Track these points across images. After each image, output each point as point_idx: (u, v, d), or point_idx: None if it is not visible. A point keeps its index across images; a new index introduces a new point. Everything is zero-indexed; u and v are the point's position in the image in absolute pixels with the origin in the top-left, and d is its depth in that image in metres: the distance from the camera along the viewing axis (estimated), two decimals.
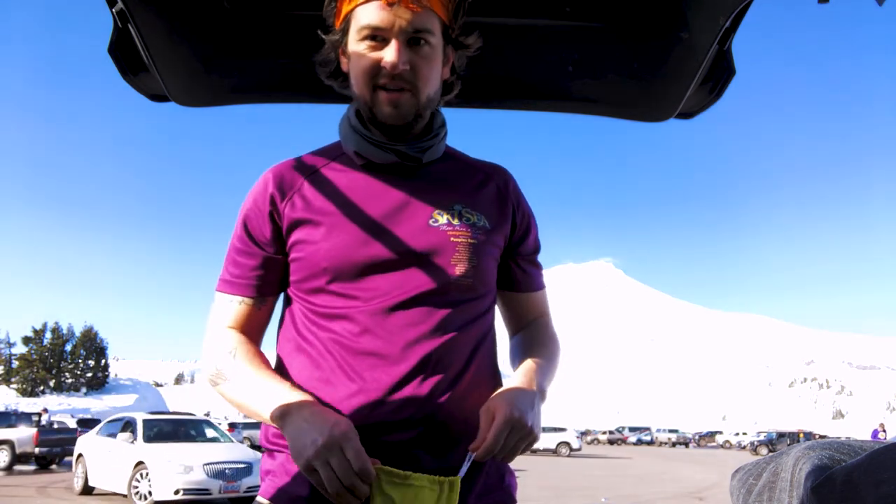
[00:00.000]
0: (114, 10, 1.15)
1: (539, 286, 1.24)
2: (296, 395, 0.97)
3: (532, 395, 1.01)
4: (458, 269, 1.05)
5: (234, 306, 1.11)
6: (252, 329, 1.12)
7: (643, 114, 1.50)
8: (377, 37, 1.01)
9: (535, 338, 1.19)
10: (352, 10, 1.03)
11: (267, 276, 1.10)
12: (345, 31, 1.06)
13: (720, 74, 1.33)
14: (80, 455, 12.13)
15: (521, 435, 0.95)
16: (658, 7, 1.24)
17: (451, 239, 1.06)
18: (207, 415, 40.47)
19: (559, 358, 1.20)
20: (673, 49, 1.29)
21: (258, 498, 1.05)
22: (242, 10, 1.27)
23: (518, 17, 1.28)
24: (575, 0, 1.24)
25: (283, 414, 0.96)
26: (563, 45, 1.34)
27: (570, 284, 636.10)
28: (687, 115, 1.48)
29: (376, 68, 1.02)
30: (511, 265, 1.19)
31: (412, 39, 1.01)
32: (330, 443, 0.87)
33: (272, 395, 0.99)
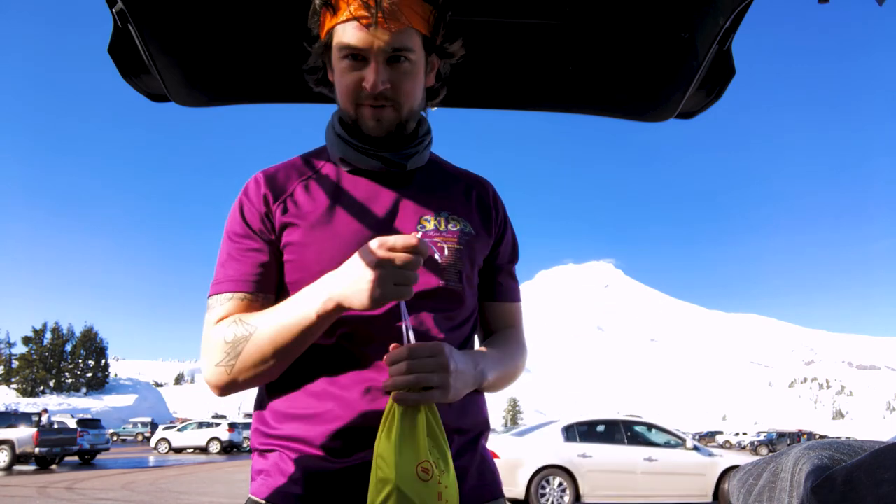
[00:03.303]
0: (114, 10, 1.16)
1: (514, 298, 1.24)
2: (319, 280, 0.97)
3: (466, 355, 1.03)
4: (446, 275, 1.07)
5: (233, 303, 1.05)
6: None
7: (643, 114, 1.50)
8: (357, 56, 1.02)
9: (498, 338, 1.20)
10: (333, 26, 1.03)
11: (268, 272, 1.07)
12: (328, 45, 1.07)
13: (720, 74, 1.33)
14: (558, 467, 9.60)
15: (433, 363, 0.93)
16: (658, 7, 1.24)
17: (439, 244, 1.08)
18: (216, 416, 40.30)
19: (519, 362, 1.21)
20: (673, 49, 1.29)
21: (251, 496, 1.05)
22: (242, 10, 1.27)
23: (518, 16, 1.28)
24: (575, 0, 1.24)
25: (326, 289, 0.94)
26: (563, 45, 1.34)
27: (570, 284, 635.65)
28: (687, 114, 1.48)
29: (357, 88, 1.03)
30: (490, 275, 1.20)
31: (392, 58, 1.02)
32: (382, 263, 0.89)
33: (302, 298, 0.97)
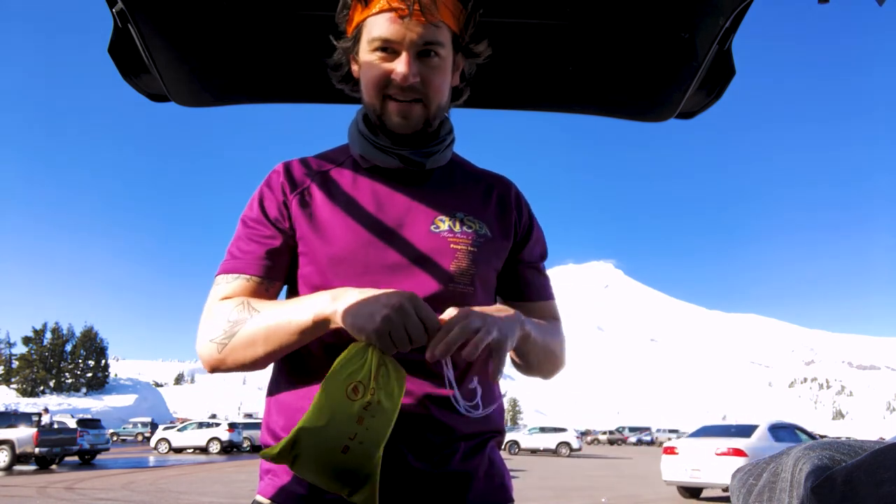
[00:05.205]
0: (114, 10, 1.16)
1: (547, 296, 1.22)
2: (335, 290, 0.96)
3: (504, 311, 1.00)
4: (458, 276, 1.06)
5: (240, 282, 1.05)
6: None
7: (643, 114, 1.50)
8: (388, 48, 1.02)
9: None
10: (364, 19, 1.03)
11: (278, 260, 1.07)
12: (356, 39, 1.06)
13: (720, 74, 1.33)
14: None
15: (477, 325, 0.91)
16: (658, 7, 1.24)
17: (451, 245, 1.07)
18: (213, 417, 40.27)
19: (559, 342, 1.18)
20: (673, 49, 1.29)
21: (257, 497, 1.05)
22: (242, 9, 1.27)
23: (518, 16, 1.28)
24: (575, 0, 1.24)
25: (334, 297, 0.94)
26: (563, 45, 1.34)
27: (570, 284, 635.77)
28: (687, 115, 1.48)
29: (386, 79, 1.03)
30: (516, 274, 1.18)
31: (422, 52, 1.02)
32: (400, 304, 0.88)
33: (309, 298, 0.97)
